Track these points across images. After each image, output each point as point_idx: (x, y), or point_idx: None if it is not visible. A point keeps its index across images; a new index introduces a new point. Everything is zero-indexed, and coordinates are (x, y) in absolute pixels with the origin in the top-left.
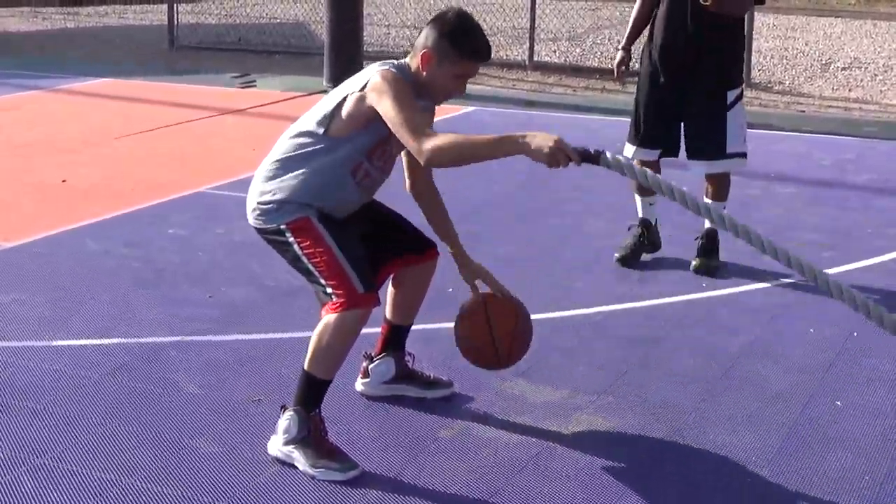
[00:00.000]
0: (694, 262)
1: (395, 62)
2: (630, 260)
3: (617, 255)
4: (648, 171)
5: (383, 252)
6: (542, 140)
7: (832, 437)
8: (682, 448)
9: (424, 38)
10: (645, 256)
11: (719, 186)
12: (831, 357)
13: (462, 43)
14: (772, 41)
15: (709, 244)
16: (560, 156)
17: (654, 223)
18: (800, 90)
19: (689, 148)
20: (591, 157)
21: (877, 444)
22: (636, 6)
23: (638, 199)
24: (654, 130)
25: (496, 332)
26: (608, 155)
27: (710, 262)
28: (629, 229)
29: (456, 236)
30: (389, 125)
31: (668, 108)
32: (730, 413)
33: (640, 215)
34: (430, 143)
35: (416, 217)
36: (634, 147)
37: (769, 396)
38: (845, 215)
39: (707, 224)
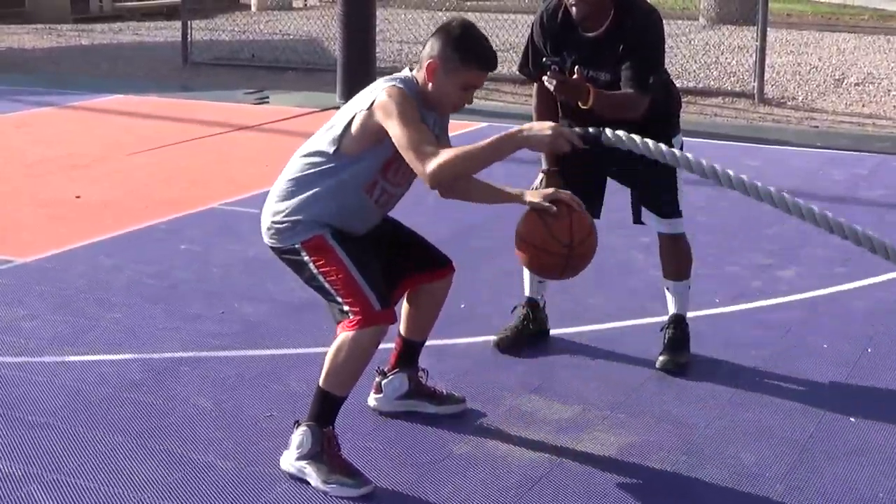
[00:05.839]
0: (660, 359)
1: (402, 77)
2: (508, 346)
3: (495, 337)
4: (653, 143)
5: (400, 268)
6: (539, 129)
7: (847, 452)
8: (696, 464)
9: (430, 48)
10: (531, 341)
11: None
12: (846, 372)
13: (468, 52)
14: (785, 56)
15: (677, 335)
16: (561, 141)
17: (541, 304)
18: (813, 105)
19: (642, 203)
20: (592, 137)
21: (892, 460)
22: (534, 112)
23: (526, 273)
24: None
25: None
26: (608, 132)
27: (679, 359)
28: (513, 311)
29: (504, 189)
30: (396, 146)
31: (591, 171)
32: (744, 428)
33: (527, 294)
34: (432, 164)
35: (430, 234)
36: None
37: (783, 412)
38: None
39: (672, 310)
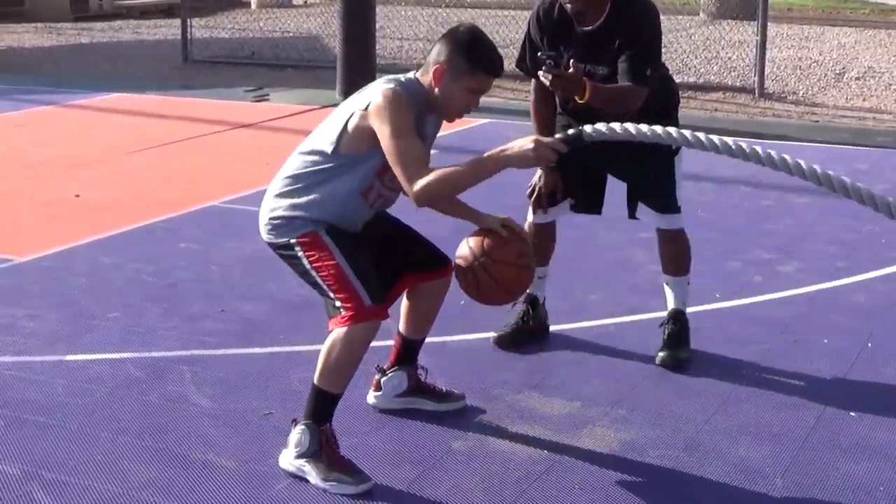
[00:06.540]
0: (659, 355)
1: (403, 78)
2: (508, 343)
3: (495, 334)
4: (634, 126)
5: (398, 266)
6: (520, 146)
7: (846, 447)
8: (696, 460)
9: (437, 53)
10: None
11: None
12: (845, 368)
13: (476, 57)
14: (785, 51)
15: (676, 331)
16: (544, 151)
17: (541, 301)
18: (813, 100)
19: (636, 197)
20: (574, 138)
21: (891, 455)
22: (532, 108)
23: None
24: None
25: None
26: (588, 129)
27: (678, 354)
28: (512, 307)
29: (466, 205)
30: (385, 155)
31: (590, 167)
32: (743, 424)
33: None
34: (419, 184)
35: (429, 232)
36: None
37: (783, 407)
38: (859, 226)
39: (671, 306)
